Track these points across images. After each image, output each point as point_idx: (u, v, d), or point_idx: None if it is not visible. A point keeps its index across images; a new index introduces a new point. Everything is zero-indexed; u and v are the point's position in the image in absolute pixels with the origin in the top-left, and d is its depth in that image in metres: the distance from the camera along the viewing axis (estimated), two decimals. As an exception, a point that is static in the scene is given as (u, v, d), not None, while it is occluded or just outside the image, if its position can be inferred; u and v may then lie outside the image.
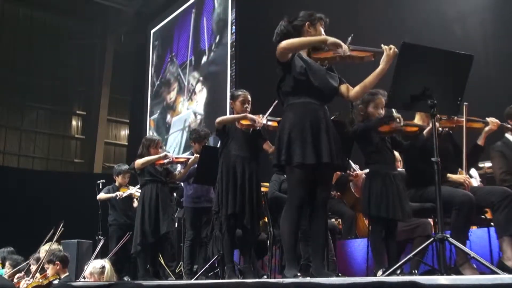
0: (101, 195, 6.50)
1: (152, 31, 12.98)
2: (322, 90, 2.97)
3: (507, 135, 3.93)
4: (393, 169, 3.43)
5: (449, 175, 3.55)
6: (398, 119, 3.33)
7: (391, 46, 2.90)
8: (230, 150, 3.95)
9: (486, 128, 3.71)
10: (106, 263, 4.84)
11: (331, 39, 2.89)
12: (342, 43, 2.88)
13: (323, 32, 3.08)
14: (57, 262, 4.99)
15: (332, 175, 3.39)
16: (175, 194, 5.96)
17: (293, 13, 3.16)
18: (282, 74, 3.00)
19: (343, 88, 3.07)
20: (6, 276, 5.67)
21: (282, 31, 3.09)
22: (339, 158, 2.94)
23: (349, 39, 2.95)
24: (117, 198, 6.20)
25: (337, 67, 3.15)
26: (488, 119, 3.73)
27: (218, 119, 4.00)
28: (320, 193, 3.00)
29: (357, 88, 3.03)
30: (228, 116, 4.04)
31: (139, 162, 4.97)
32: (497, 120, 3.74)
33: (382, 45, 2.92)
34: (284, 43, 2.91)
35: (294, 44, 2.93)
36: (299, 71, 2.94)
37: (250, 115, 3.86)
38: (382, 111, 3.48)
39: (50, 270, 4.98)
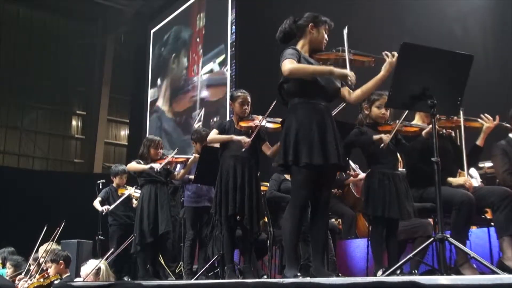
0: (95, 204, 6.30)
1: (152, 31, 12.98)
2: (328, 90, 3.00)
3: (511, 135, 3.91)
4: (393, 169, 3.43)
5: (449, 179, 3.55)
6: (383, 140, 3.34)
7: (394, 53, 2.89)
8: (230, 151, 3.95)
9: (484, 128, 3.68)
10: (101, 264, 4.84)
11: (338, 72, 2.89)
12: (349, 73, 2.87)
13: (325, 36, 3.10)
14: (61, 261, 5.00)
15: (336, 175, 3.40)
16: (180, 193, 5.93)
17: (293, 13, 3.17)
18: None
19: (344, 91, 3.09)
20: (7, 277, 5.66)
21: (285, 29, 3.12)
22: (344, 159, 2.97)
23: (345, 31, 2.96)
24: (103, 213, 6.14)
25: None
26: (483, 116, 3.69)
27: (210, 138, 4.14)
28: (324, 193, 3.01)
29: (358, 92, 3.05)
30: (220, 137, 4.05)
31: (129, 167, 5.13)
32: (491, 118, 3.70)
33: (386, 52, 2.92)
34: (293, 69, 2.88)
35: (300, 71, 2.91)
36: None
37: (236, 137, 3.90)
38: (386, 112, 3.49)
39: (52, 269, 4.98)
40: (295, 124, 2.93)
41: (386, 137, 3.35)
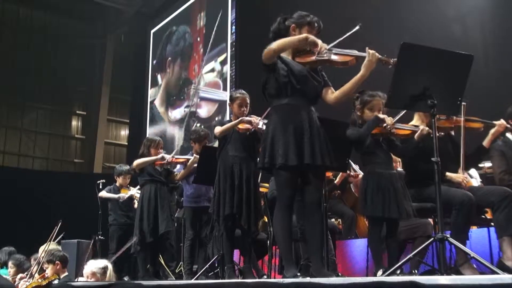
0: (103, 193, 6.45)
1: (152, 31, 12.98)
2: (306, 91, 2.98)
3: (508, 135, 3.90)
4: (389, 169, 3.42)
5: (448, 174, 3.54)
6: (386, 121, 3.31)
7: (373, 51, 2.86)
8: (228, 151, 3.96)
9: (493, 130, 3.68)
10: (108, 263, 4.84)
11: (312, 37, 2.90)
12: (319, 43, 2.88)
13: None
14: (57, 262, 4.99)
15: (323, 175, 3.34)
16: (175, 193, 5.95)
17: (293, 13, 3.16)
18: (266, 76, 3.01)
19: (325, 91, 3.07)
20: (10, 276, 5.66)
21: (274, 29, 3.13)
22: (325, 159, 2.91)
23: (357, 27, 2.97)
24: (120, 200, 6.19)
25: (328, 71, 3.14)
26: (496, 122, 3.70)
27: (218, 130, 4.00)
28: (310, 194, 2.97)
29: (337, 93, 3.03)
30: (226, 125, 4.01)
31: (137, 162, 5.05)
32: (504, 122, 3.70)
33: (367, 48, 2.89)
34: (274, 46, 2.92)
35: (280, 45, 2.94)
36: (281, 73, 2.95)
37: (245, 118, 3.93)
38: (379, 114, 3.46)
39: (49, 270, 4.97)
40: (271, 126, 2.95)
41: (389, 120, 3.32)
